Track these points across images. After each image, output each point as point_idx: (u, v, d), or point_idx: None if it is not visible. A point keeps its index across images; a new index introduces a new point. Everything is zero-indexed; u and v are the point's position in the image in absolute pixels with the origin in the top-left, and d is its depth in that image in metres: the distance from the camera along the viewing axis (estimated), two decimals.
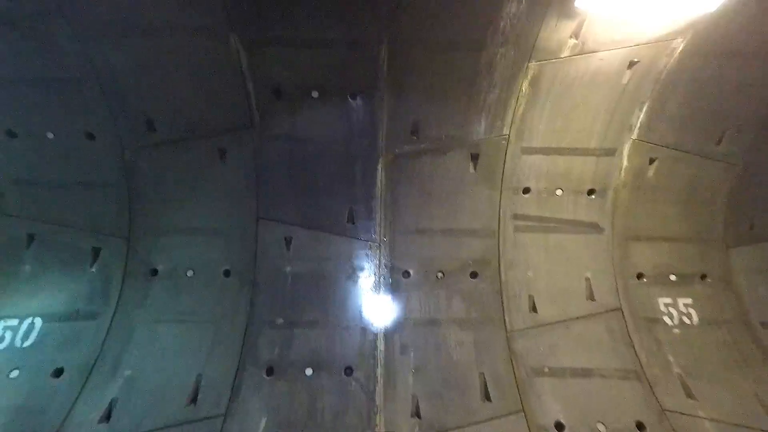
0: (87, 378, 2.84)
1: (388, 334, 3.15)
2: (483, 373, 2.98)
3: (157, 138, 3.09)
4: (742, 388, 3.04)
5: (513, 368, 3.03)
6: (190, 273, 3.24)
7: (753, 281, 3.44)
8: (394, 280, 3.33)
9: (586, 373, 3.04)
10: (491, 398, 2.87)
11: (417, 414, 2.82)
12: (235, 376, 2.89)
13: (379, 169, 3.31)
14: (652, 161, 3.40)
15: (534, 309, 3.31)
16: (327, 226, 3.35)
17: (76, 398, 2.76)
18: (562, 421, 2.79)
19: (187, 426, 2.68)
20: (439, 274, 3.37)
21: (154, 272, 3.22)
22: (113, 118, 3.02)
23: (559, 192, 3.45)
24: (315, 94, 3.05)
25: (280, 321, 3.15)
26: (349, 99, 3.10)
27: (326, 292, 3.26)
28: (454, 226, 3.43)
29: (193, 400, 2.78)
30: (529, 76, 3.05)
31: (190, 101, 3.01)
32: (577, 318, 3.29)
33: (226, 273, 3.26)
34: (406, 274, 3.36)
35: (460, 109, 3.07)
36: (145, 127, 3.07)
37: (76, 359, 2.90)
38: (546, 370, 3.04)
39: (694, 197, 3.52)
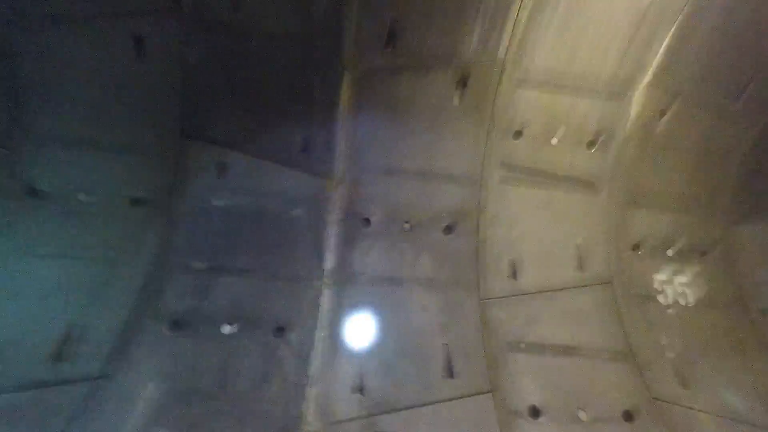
0: None
1: (336, 290, 2.53)
2: (447, 345, 2.43)
3: (48, 10, 2.28)
4: (740, 379, 2.64)
5: (484, 341, 2.49)
6: (82, 196, 2.47)
7: (756, 263, 3.05)
8: (351, 228, 2.70)
9: (568, 351, 2.55)
10: (454, 374, 2.32)
11: (360, 389, 2.23)
12: (124, 330, 2.19)
13: (344, 85, 2.64)
14: (663, 113, 2.91)
15: (514, 275, 2.78)
16: (274, 153, 2.66)
17: None
18: (538, 405, 2.28)
19: (46, 390, 1.97)
20: (406, 225, 2.77)
21: (33, 192, 2.43)
22: None
23: (555, 140, 2.91)
24: None
25: (200, 265, 2.46)
26: None
27: (265, 234, 2.59)
28: (430, 168, 2.82)
29: (58, 356, 2.06)
30: None
31: None
32: (563, 289, 2.79)
33: (135, 201, 2.51)
34: (366, 221, 2.73)
35: (449, 11, 2.43)
36: None
37: None
38: (522, 345, 2.52)
39: (703, 162, 3.07)
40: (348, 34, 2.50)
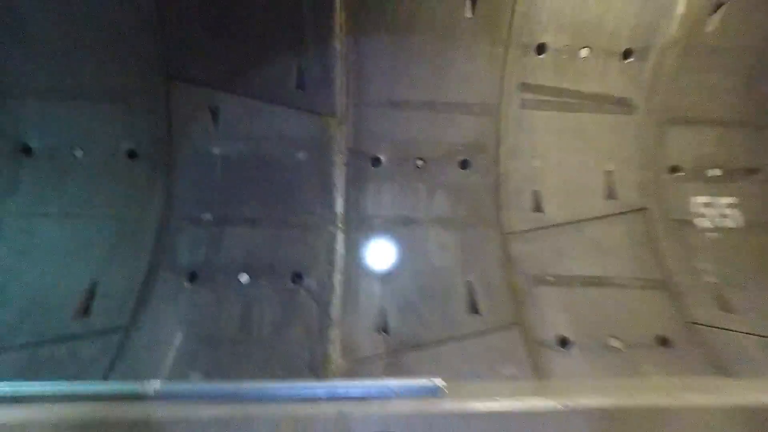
0: None
1: (351, 234, 2.43)
2: (470, 282, 2.33)
3: None
4: None
5: (508, 276, 2.38)
6: (78, 153, 2.37)
7: None
8: (360, 169, 2.53)
9: (599, 281, 2.42)
10: (479, 310, 2.25)
11: (384, 329, 2.20)
12: (144, 283, 2.19)
13: (337, 7, 2.32)
14: (718, 7, 2.46)
15: (539, 208, 2.59)
16: (267, 92, 2.43)
17: None
18: (567, 335, 2.21)
19: (77, 342, 2.01)
20: (419, 162, 2.57)
21: (27, 150, 2.34)
22: None
23: (584, 52, 2.54)
24: None
25: (208, 217, 2.38)
26: None
27: (269, 181, 2.46)
28: (440, 98, 2.55)
29: (85, 311, 2.09)
30: None
31: None
32: (593, 219, 2.59)
33: (131, 153, 2.40)
34: (376, 161, 2.55)
35: None
36: None
37: None
38: (550, 278, 2.40)
39: (758, 66, 2.65)
40: None
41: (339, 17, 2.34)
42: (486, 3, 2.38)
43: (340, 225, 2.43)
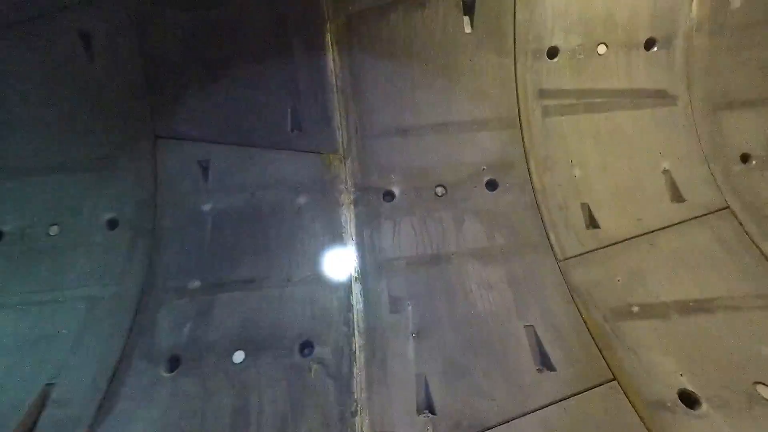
0: None
1: (369, 284, 1.96)
2: (531, 326, 1.77)
3: None
4: None
5: (579, 313, 1.81)
6: (54, 230, 2.09)
7: None
8: (371, 206, 2.16)
9: (703, 306, 1.81)
10: (552, 364, 1.65)
11: (427, 406, 1.60)
12: (113, 378, 1.70)
13: (328, 40, 2.20)
14: None
15: (593, 222, 2.12)
16: (262, 137, 2.21)
17: None
18: (690, 388, 1.55)
19: None
20: (439, 190, 2.20)
21: None
22: None
23: (602, 48, 2.31)
24: None
25: (196, 284, 1.98)
26: None
27: (266, 234, 2.09)
28: (452, 118, 2.28)
29: (32, 425, 1.59)
30: None
31: None
32: (664, 228, 2.08)
33: (112, 224, 2.11)
34: (388, 195, 2.19)
35: None
36: None
37: None
38: (634, 309, 1.82)
39: None
40: None
41: (331, 51, 2.20)
42: (484, 16, 2.23)
43: (354, 275, 1.98)
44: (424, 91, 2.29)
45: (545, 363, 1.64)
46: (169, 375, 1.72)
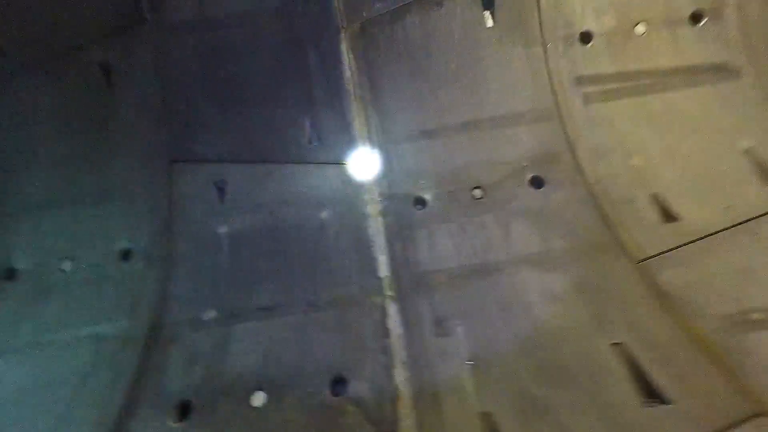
0: None
1: (407, 304, 1.66)
2: (623, 344, 1.39)
3: (8, 66, 2.08)
4: None
5: (680, 324, 1.42)
6: (66, 265, 1.96)
7: None
8: (402, 216, 1.92)
9: None
10: (661, 393, 1.25)
11: None
12: (115, 428, 1.44)
13: (344, 49, 2.12)
14: None
15: (669, 215, 1.77)
16: (279, 152, 2.08)
17: None
18: None
19: None
20: (476, 192, 1.94)
21: (11, 274, 1.97)
22: None
23: (640, 28, 2.10)
24: None
25: (212, 314, 1.75)
26: None
27: (289, 254, 1.87)
28: (483, 114, 2.08)
29: None
30: None
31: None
32: (764, 215, 1.70)
33: (125, 254, 1.96)
34: (420, 202, 1.95)
35: None
36: None
37: None
38: (757, 316, 1.41)
39: None
40: None
41: (347, 58, 2.11)
42: (506, 9, 2.10)
43: (389, 293, 1.69)
44: (448, 90, 2.12)
45: (652, 393, 1.24)
46: (178, 425, 1.44)
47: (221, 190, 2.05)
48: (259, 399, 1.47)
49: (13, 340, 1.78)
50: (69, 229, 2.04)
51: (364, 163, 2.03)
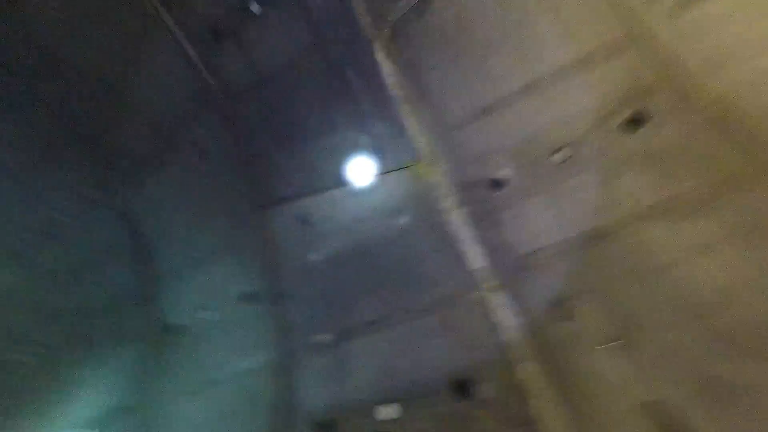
0: None
1: (513, 292, 1.53)
2: None
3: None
4: None
5: None
6: (204, 315, 2.32)
7: None
8: (481, 201, 1.81)
9: None
10: None
11: None
12: None
13: (380, 58, 2.13)
14: None
15: None
16: (345, 174, 2.16)
17: None
18: None
19: None
20: (557, 156, 1.72)
21: (167, 329, 2.40)
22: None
23: None
24: (255, 8, 2.23)
25: (327, 337, 1.86)
26: None
27: (380, 265, 1.91)
28: (541, 71, 1.85)
29: None
30: None
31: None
32: None
33: (246, 298, 2.23)
34: (497, 183, 1.82)
35: None
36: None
37: None
38: None
39: None
40: (356, 1, 2.09)
41: (386, 63, 2.11)
42: None
43: (488, 285, 1.59)
44: (497, 57, 1.96)
45: None
46: None
47: (305, 222, 2.21)
48: (383, 412, 1.50)
49: (188, 384, 2.15)
50: (201, 285, 2.41)
51: (427, 160, 1.99)
